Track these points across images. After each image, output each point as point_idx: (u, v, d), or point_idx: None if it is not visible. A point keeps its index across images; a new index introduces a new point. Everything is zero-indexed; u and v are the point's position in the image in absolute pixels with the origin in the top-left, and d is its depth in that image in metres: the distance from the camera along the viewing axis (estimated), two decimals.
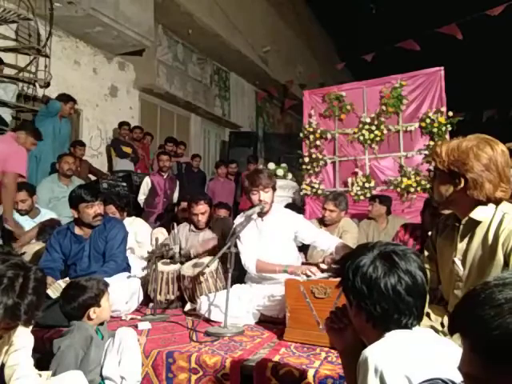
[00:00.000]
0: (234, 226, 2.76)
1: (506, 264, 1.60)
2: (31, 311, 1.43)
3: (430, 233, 2.08)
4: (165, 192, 5.66)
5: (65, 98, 5.47)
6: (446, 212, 1.95)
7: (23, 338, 1.67)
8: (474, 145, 1.67)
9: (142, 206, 5.62)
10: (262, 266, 2.83)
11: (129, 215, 4.26)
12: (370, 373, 1.03)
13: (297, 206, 5.03)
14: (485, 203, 1.68)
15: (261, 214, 2.91)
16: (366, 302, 1.13)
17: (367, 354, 1.07)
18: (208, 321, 2.69)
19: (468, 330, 0.73)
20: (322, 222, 4.24)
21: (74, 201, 3.06)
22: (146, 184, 5.64)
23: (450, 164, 1.71)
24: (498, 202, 1.68)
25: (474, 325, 0.71)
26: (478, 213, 1.69)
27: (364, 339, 1.19)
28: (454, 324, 0.78)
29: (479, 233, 1.70)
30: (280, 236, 2.94)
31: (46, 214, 4.08)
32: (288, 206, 4.86)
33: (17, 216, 3.88)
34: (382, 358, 1.04)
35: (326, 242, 2.91)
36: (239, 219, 2.90)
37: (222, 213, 4.68)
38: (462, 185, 1.68)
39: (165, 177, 5.72)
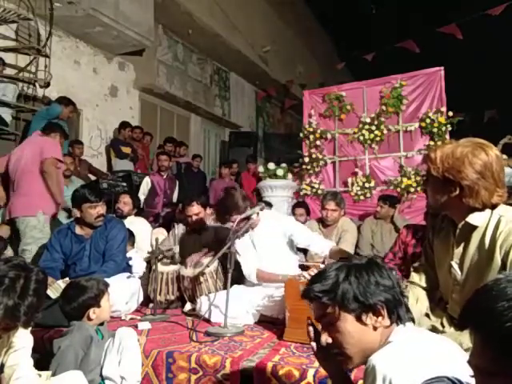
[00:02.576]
0: (234, 226, 2.76)
1: (503, 267, 1.58)
2: (31, 313, 1.43)
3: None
4: (164, 192, 5.66)
5: (65, 101, 5.47)
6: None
7: (23, 338, 1.67)
8: (468, 151, 1.63)
9: (141, 205, 5.62)
10: (263, 275, 2.83)
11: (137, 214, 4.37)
12: (378, 382, 1.02)
13: (305, 204, 4.99)
14: (481, 209, 1.66)
15: (251, 226, 2.90)
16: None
17: (374, 362, 1.05)
18: (208, 321, 2.69)
19: (480, 324, 0.73)
20: (322, 223, 4.24)
21: (78, 200, 3.07)
22: (145, 184, 5.64)
23: (445, 171, 1.67)
24: (494, 206, 1.66)
25: (487, 318, 0.72)
26: (475, 217, 1.67)
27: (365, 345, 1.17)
28: (464, 318, 0.78)
29: (476, 237, 1.68)
30: (273, 243, 2.92)
31: None
32: (297, 204, 4.86)
33: None
34: (390, 366, 1.02)
35: (320, 246, 2.87)
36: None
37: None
38: (457, 192, 1.65)
39: (164, 177, 5.72)
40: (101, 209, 3.07)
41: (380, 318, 1.14)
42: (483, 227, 1.66)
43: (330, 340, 1.17)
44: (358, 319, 1.14)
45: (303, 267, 2.91)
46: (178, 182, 5.99)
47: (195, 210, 3.52)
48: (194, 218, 3.53)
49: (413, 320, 1.20)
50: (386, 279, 1.16)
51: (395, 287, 1.18)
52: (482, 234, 1.66)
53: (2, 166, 4.03)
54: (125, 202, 4.19)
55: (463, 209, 1.68)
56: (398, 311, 1.16)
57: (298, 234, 2.95)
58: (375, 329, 1.14)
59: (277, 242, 2.93)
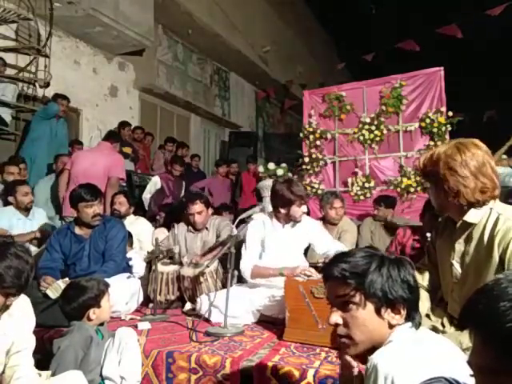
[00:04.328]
0: (235, 226, 2.76)
1: (501, 264, 1.59)
2: (10, 275, 1.46)
3: (428, 234, 2.10)
4: (173, 193, 5.69)
5: (58, 98, 5.50)
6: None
7: (25, 338, 1.68)
8: (442, 153, 1.68)
9: (146, 204, 5.60)
10: (258, 271, 2.77)
11: (134, 213, 4.33)
12: (380, 381, 1.02)
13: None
14: (475, 206, 1.68)
15: (288, 221, 2.88)
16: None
17: (375, 362, 1.05)
18: (208, 321, 2.69)
19: (481, 324, 0.73)
20: (322, 222, 4.24)
21: (74, 200, 3.08)
22: (153, 184, 5.63)
23: (427, 175, 1.74)
24: (483, 202, 1.67)
25: (488, 318, 0.71)
26: (471, 215, 1.69)
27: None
28: (465, 318, 0.78)
29: (475, 235, 1.70)
30: (297, 243, 2.94)
31: (35, 212, 4.11)
32: None
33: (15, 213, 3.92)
34: (392, 365, 1.02)
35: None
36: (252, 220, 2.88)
37: (224, 215, 4.66)
38: (443, 193, 1.70)
39: (173, 178, 5.76)
40: (97, 208, 3.06)
41: (398, 316, 1.13)
42: (482, 225, 1.68)
43: (340, 321, 1.15)
44: (377, 311, 1.13)
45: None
46: (184, 183, 6.02)
47: (198, 208, 3.49)
48: (197, 216, 3.51)
49: (420, 324, 1.18)
50: (412, 279, 1.16)
51: (418, 289, 1.18)
52: (481, 232, 1.68)
53: (68, 164, 4.57)
54: (120, 202, 4.12)
55: (457, 208, 1.71)
56: (414, 313, 1.15)
57: (321, 239, 2.95)
58: (391, 326, 1.13)
59: (300, 243, 2.95)
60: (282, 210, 2.81)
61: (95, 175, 4.29)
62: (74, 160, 4.55)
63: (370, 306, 1.13)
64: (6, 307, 1.58)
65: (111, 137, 5.02)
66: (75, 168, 4.43)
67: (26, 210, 3.96)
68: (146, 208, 5.52)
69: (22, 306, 1.73)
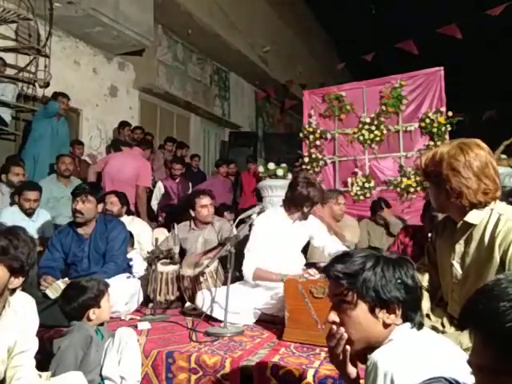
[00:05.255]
0: (235, 226, 2.76)
1: (502, 265, 1.59)
2: (15, 250, 1.52)
3: (430, 235, 2.09)
4: (178, 195, 5.70)
5: (58, 96, 5.51)
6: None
7: (29, 339, 1.68)
8: (445, 153, 1.67)
9: (155, 211, 5.59)
10: (260, 274, 2.77)
11: (127, 213, 4.29)
12: (380, 379, 1.02)
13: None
14: (477, 207, 1.67)
15: (301, 218, 2.90)
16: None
17: (375, 359, 1.06)
18: (208, 317, 2.68)
19: (481, 324, 0.73)
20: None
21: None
22: (158, 189, 5.67)
23: (429, 175, 1.73)
24: (485, 204, 1.66)
25: (488, 318, 0.72)
26: (473, 216, 1.68)
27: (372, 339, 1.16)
28: (465, 318, 0.78)
29: (476, 235, 1.69)
30: (301, 238, 2.98)
31: (39, 213, 4.10)
32: None
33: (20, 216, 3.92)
34: (391, 363, 1.02)
35: (334, 248, 2.88)
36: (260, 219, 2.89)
37: (226, 215, 4.67)
38: (445, 193, 1.69)
39: (177, 180, 5.78)
40: (79, 204, 3.01)
41: (393, 316, 1.13)
42: (483, 226, 1.67)
43: (337, 319, 1.17)
44: (371, 311, 1.13)
45: (309, 266, 2.94)
46: (190, 184, 6.03)
47: (209, 200, 3.60)
48: (210, 207, 3.58)
49: (421, 324, 1.17)
50: (409, 279, 1.15)
51: (417, 290, 1.17)
52: (482, 233, 1.67)
53: (100, 167, 5.01)
54: (112, 202, 4.04)
55: (459, 208, 1.70)
56: (412, 314, 1.14)
57: (319, 234, 3.01)
58: (386, 326, 1.13)
59: (299, 239, 2.98)
60: (306, 209, 2.87)
61: (123, 177, 4.77)
62: (107, 160, 5.03)
63: (364, 306, 1.13)
64: (11, 291, 1.59)
65: (143, 143, 5.48)
66: (107, 168, 4.90)
67: (26, 213, 3.96)
68: (156, 213, 5.53)
69: (26, 304, 1.72)
